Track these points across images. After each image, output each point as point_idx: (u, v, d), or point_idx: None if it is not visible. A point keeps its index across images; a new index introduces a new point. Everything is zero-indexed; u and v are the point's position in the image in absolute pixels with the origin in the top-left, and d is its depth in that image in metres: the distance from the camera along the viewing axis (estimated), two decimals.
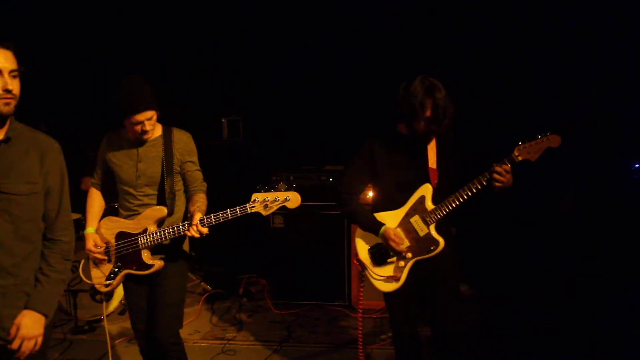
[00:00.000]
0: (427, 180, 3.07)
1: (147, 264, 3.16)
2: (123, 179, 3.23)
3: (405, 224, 3.12)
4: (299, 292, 5.23)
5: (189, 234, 3.00)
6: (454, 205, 2.99)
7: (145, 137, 3.16)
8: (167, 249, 3.23)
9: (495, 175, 2.88)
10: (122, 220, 3.26)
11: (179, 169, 3.25)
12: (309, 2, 5.71)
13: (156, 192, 3.23)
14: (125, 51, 6.07)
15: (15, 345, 2.22)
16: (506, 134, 3.18)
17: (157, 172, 3.21)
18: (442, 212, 3.02)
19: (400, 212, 3.13)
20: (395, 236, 3.07)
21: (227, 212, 2.99)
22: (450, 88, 2.90)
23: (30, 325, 2.26)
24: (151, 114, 3.08)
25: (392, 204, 3.15)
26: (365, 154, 3.17)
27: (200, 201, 3.15)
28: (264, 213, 3.00)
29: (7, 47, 2.21)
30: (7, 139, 2.27)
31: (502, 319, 4.73)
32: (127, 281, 3.30)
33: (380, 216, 3.17)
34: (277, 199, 2.97)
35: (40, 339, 2.28)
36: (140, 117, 3.04)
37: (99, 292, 4.77)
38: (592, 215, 5.26)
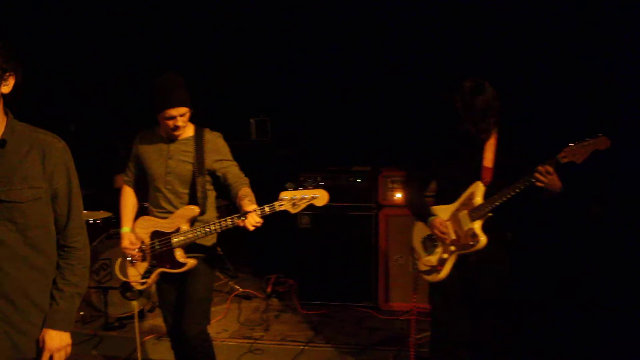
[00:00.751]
0: (479, 178, 3.10)
1: (180, 262, 3.21)
2: (152, 174, 3.28)
3: (454, 217, 3.18)
4: (326, 293, 5.23)
5: (242, 224, 2.97)
6: (497, 203, 3.00)
7: (177, 133, 3.20)
8: (198, 248, 3.27)
9: (537, 175, 2.86)
10: (156, 219, 3.31)
11: (211, 169, 3.26)
12: (338, 1, 5.70)
13: (187, 191, 3.26)
14: (155, 51, 6.14)
15: (45, 359, 2.14)
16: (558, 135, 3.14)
17: (187, 171, 3.24)
18: (486, 209, 3.04)
19: (452, 207, 3.20)
20: (441, 225, 3.16)
21: (264, 208, 2.99)
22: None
23: (56, 338, 2.15)
24: (184, 110, 3.13)
25: (447, 198, 3.24)
26: (426, 149, 3.35)
27: (250, 195, 3.11)
28: (292, 211, 3.02)
29: None
30: (2, 142, 2.06)
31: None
32: (161, 280, 3.35)
33: (436, 209, 3.27)
34: (305, 197, 2.99)
35: (69, 348, 2.21)
36: (174, 111, 3.09)
37: (129, 290, 4.85)
38: (622, 219, 5.15)
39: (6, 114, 2.11)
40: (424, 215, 3.26)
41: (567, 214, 4.93)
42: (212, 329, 4.46)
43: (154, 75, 3.17)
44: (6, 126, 2.08)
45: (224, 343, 4.51)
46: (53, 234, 2.20)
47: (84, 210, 5.49)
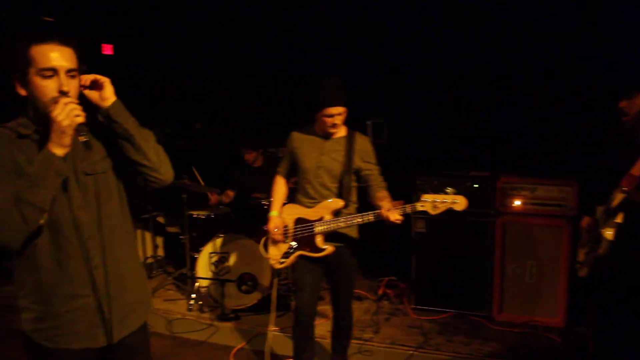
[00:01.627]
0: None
1: (320, 247, 3.61)
2: (305, 167, 3.67)
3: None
4: (439, 299, 5.14)
5: (391, 217, 3.28)
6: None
7: (333, 130, 3.60)
8: (339, 237, 3.65)
9: None
10: (301, 207, 3.70)
11: (357, 168, 3.63)
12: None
13: (334, 185, 3.64)
14: (276, 56, 6.33)
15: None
16: None
17: (337, 167, 3.61)
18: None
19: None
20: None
21: (404, 207, 3.35)
22: None
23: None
24: (342, 109, 3.53)
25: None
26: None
27: (388, 197, 3.48)
28: (432, 212, 3.34)
29: (66, 44, 2.02)
30: (87, 143, 2.05)
31: None
32: (299, 262, 3.70)
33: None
34: (446, 201, 3.32)
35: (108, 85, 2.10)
36: (334, 110, 3.49)
37: (245, 283, 5.05)
38: None
39: None
40: None
41: None
42: (323, 328, 4.55)
43: (274, 79, 3.37)
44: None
45: None
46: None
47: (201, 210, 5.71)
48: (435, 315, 5.07)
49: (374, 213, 3.40)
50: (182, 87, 7.00)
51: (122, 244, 2.25)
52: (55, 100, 1.96)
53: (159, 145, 2.22)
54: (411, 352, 4.38)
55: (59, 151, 1.97)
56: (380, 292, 5.60)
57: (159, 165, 2.19)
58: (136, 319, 2.31)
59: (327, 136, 3.66)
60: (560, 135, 5.21)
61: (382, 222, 3.39)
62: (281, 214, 3.76)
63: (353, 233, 3.71)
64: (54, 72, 1.98)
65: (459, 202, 3.31)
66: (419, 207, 3.33)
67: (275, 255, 3.74)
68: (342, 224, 3.53)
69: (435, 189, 3.41)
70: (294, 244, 3.67)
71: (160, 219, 6.70)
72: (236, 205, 5.97)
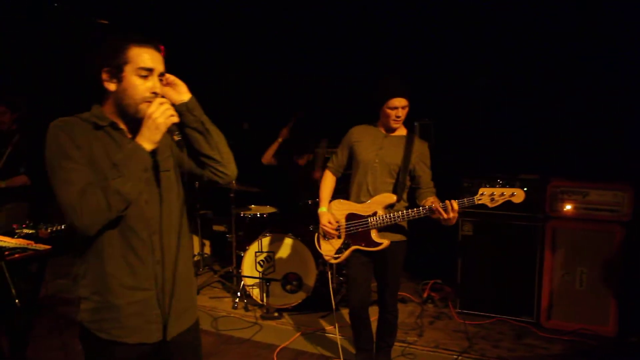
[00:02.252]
0: None
1: (376, 242, 3.64)
2: (362, 160, 3.73)
3: None
4: (484, 303, 5.06)
5: (445, 215, 3.33)
6: None
7: (396, 125, 3.69)
8: (392, 230, 3.70)
9: None
10: (350, 203, 3.77)
11: (412, 168, 3.69)
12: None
13: (392, 180, 3.69)
14: (312, 53, 6.38)
15: None
16: None
17: (394, 163, 3.67)
18: None
19: None
20: None
21: (463, 200, 3.33)
22: None
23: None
24: (406, 102, 3.62)
25: None
26: None
27: (438, 200, 3.50)
28: (490, 205, 3.34)
29: (158, 50, 2.15)
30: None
31: None
32: (352, 256, 3.77)
33: None
34: (504, 194, 3.30)
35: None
36: (397, 102, 3.58)
37: (289, 283, 5.08)
38: None
39: None
40: None
41: None
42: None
43: (320, 79, 3.41)
44: None
45: None
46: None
47: (253, 205, 5.83)
48: (480, 320, 4.99)
49: (428, 208, 3.42)
50: (229, 86, 7.10)
51: (183, 244, 2.30)
52: (148, 99, 2.06)
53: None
54: (455, 356, 4.33)
55: (148, 146, 2.05)
56: (425, 295, 5.55)
57: (228, 161, 2.29)
58: (189, 317, 2.35)
59: (389, 131, 3.74)
60: (614, 138, 5.07)
61: (431, 221, 3.44)
62: (330, 209, 3.83)
63: (403, 229, 3.76)
64: (149, 72, 2.09)
65: (517, 195, 3.28)
66: (477, 200, 3.33)
67: (329, 250, 3.82)
68: (398, 219, 3.54)
69: (478, 189, 3.34)
70: (348, 240, 3.73)
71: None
72: (283, 204, 6.02)
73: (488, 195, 3.31)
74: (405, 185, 3.71)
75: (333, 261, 3.84)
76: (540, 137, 5.39)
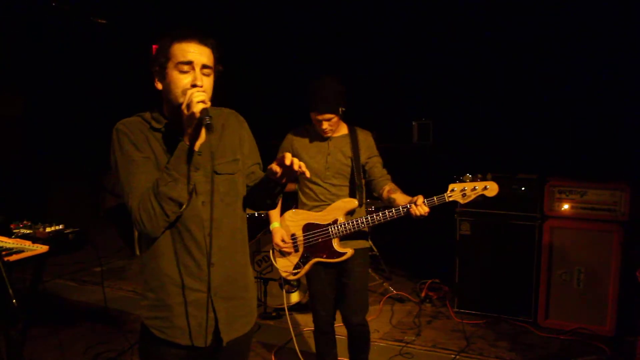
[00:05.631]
0: None
1: (339, 252, 3.36)
2: (311, 170, 3.35)
3: None
4: (482, 303, 5.06)
5: (417, 212, 3.07)
6: None
7: (326, 135, 3.39)
8: (353, 238, 3.42)
9: None
10: (307, 212, 3.48)
11: (364, 164, 3.44)
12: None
13: (345, 184, 3.43)
14: (320, 54, 6.35)
15: None
16: None
17: (345, 166, 3.42)
18: None
19: None
20: None
21: (432, 199, 3.11)
22: None
23: None
24: (330, 116, 3.28)
25: None
26: None
27: (399, 189, 3.31)
28: (461, 201, 3.13)
29: (205, 43, 2.11)
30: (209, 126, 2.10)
31: None
32: (313, 270, 3.49)
33: None
34: (476, 188, 3.10)
35: None
36: (319, 117, 3.28)
37: (287, 282, 5.07)
38: None
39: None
40: None
41: None
42: None
43: (308, 77, 3.34)
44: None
45: (375, 344, 4.53)
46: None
47: None
48: (478, 320, 5.00)
49: (396, 209, 3.17)
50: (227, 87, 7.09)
51: (239, 249, 2.29)
52: (184, 92, 2.03)
53: None
54: (453, 356, 4.33)
55: (197, 146, 2.05)
56: (422, 294, 5.56)
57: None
58: (244, 324, 2.30)
59: (329, 137, 3.45)
60: (612, 137, 5.07)
61: (428, 220, 3.15)
62: (283, 222, 3.55)
63: (365, 235, 3.50)
64: (190, 66, 2.06)
65: (490, 188, 3.09)
66: (447, 197, 3.11)
67: (286, 266, 3.52)
68: (362, 225, 3.29)
69: (469, 180, 3.18)
70: (306, 253, 3.46)
71: None
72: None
73: (459, 191, 3.12)
74: (362, 186, 3.45)
75: (291, 277, 3.53)
76: (538, 137, 5.39)
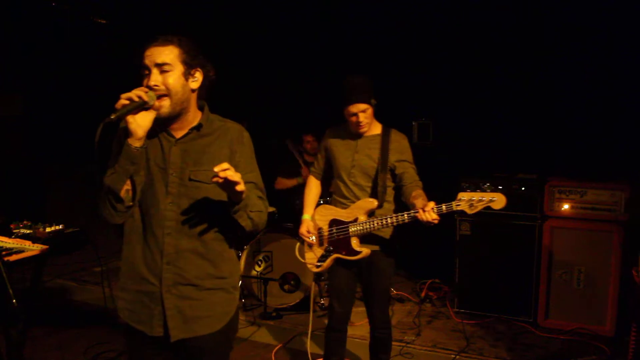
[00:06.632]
0: None
1: (355, 250, 3.43)
2: (339, 166, 3.55)
3: None
4: (482, 303, 5.06)
5: (424, 218, 3.08)
6: None
7: (361, 129, 3.44)
8: (374, 239, 3.47)
9: None
10: (335, 208, 3.58)
11: (392, 166, 3.45)
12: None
13: (369, 184, 3.48)
14: (320, 54, 6.35)
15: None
16: None
17: (371, 166, 3.46)
18: None
19: None
20: None
21: (441, 206, 3.13)
22: None
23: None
24: (365, 107, 3.37)
25: None
26: None
27: (423, 195, 3.27)
28: (468, 211, 3.14)
29: (164, 43, 2.16)
30: (199, 126, 2.28)
31: None
32: (335, 265, 3.57)
33: None
34: (483, 199, 3.11)
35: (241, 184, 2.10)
36: (353, 108, 3.36)
37: (287, 282, 5.08)
38: None
39: (201, 108, 2.35)
40: None
41: None
42: (366, 328, 4.53)
43: (326, 77, 3.35)
44: (201, 118, 2.31)
45: None
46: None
47: None
48: (478, 319, 5.00)
49: (407, 213, 3.22)
50: (226, 86, 7.08)
51: (209, 257, 2.31)
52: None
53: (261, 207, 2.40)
54: (453, 355, 4.33)
55: (134, 143, 2.11)
56: (422, 294, 5.56)
57: (252, 227, 2.35)
58: (204, 326, 2.31)
59: (359, 135, 3.51)
60: (612, 137, 5.07)
61: (418, 223, 3.18)
62: (314, 216, 3.66)
63: (388, 235, 3.52)
64: (147, 69, 2.16)
65: (497, 200, 3.09)
66: (455, 206, 3.13)
67: (311, 258, 3.63)
68: (376, 225, 3.36)
69: (476, 189, 3.19)
70: (330, 247, 3.54)
71: None
72: (281, 204, 6.00)
73: (467, 201, 3.12)
74: (387, 187, 3.48)
75: (315, 269, 3.62)
76: (538, 137, 5.39)
